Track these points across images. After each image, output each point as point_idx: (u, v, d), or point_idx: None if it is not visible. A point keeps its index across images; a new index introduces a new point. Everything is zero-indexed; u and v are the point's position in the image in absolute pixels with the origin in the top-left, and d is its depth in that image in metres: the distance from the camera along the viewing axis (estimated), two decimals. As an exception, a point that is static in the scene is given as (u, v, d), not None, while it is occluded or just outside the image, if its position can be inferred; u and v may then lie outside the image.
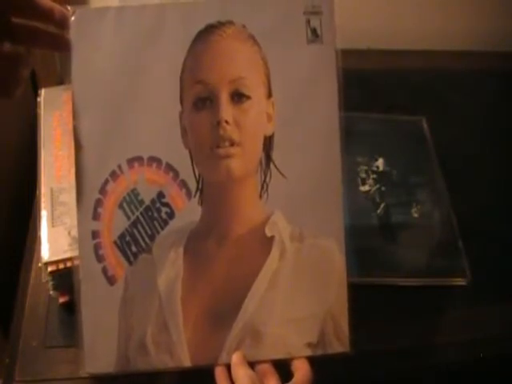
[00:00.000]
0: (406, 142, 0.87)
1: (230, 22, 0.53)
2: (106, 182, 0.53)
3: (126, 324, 0.54)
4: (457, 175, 0.83)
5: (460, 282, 0.72)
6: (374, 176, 0.81)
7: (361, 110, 0.87)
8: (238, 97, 0.53)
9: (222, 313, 0.54)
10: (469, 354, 0.68)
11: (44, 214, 0.65)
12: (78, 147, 0.53)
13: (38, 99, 0.75)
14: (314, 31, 0.53)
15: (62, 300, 0.64)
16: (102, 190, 0.53)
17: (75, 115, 0.53)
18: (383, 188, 0.80)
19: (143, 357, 0.53)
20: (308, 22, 0.54)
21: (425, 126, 0.89)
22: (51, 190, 0.66)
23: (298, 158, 0.55)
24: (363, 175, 0.81)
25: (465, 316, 0.70)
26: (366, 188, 0.80)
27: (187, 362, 0.54)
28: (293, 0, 0.54)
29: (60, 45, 0.52)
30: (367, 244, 0.73)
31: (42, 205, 0.65)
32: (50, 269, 0.61)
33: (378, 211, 0.77)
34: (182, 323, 0.53)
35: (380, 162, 0.83)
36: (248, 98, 0.53)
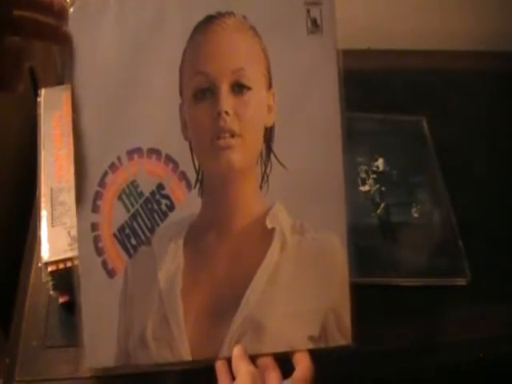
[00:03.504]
0: (406, 142, 0.87)
1: (231, 13, 0.53)
2: (105, 174, 0.53)
3: (126, 318, 0.54)
4: (457, 175, 0.83)
5: (460, 282, 0.72)
6: (374, 176, 0.81)
7: (361, 110, 0.87)
8: (238, 88, 0.53)
9: (222, 306, 0.53)
10: (469, 354, 0.68)
11: (44, 214, 0.65)
12: (78, 139, 0.53)
13: (38, 99, 0.75)
14: (314, 22, 0.53)
15: (61, 300, 0.64)
16: (102, 183, 0.53)
17: (75, 108, 0.53)
18: (383, 188, 0.80)
19: (143, 351, 0.53)
20: (308, 12, 0.53)
21: (425, 126, 0.89)
22: (51, 189, 0.66)
23: (299, 149, 0.54)
24: (363, 175, 0.81)
25: (465, 316, 0.70)
26: (366, 188, 0.80)
27: (188, 356, 0.53)
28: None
29: (60, 37, 0.52)
30: (367, 244, 0.73)
31: (42, 205, 0.65)
32: (50, 269, 0.61)
33: (378, 211, 0.77)
34: (182, 317, 0.53)
35: (380, 162, 0.83)
36: (248, 89, 0.53)
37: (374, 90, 0.95)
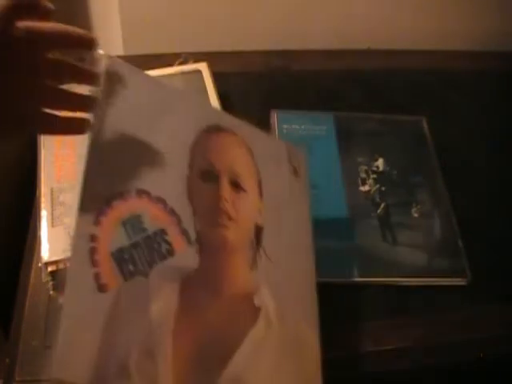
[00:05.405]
0: (406, 142, 0.87)
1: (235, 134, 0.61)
2: (114, 197, 0.52)
3: (109, 339, 0.50)
4: (457, 175, 0.83)
5: (460, 282, 0.72)
6: (374, 176, 0.81)
7: (361, 110, 0.87)
8: (235, 186, 0.58)
9: (210, 361, 0.52)
10: (469, 354, 0.68)
11: (44, 214, 0.65)
12: (90, 158, 0.51)
13: (38, 99, 0.75)
14: (294, 169, 0.67)
15: (62, 300, 0.64)
16: (108, 203, 0.52)
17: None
18: (383, 188, 0.80)
19: (123, 380, 0.49)
20: (290, 161, 0.66)
21: (425, 126, 0.89)
22: (51, 189, 0.66)
23: (280, 249, 0.60)
24: (363, 175, 0.81)
25: (465, 316, 0.70)
26: (366, 188, 0.80)
27: None
28: (279, 151, 0.66)
29: (95, 80, 0.52)
30: (367, 244, 0.74)
31: (42, 205, 0.65)
32: (50, 269, 0.61)
33: (378, 211, 0.77)
34: (171, 357, 0.51)
35: (380, 162, 0.83)
36: (244, 191, 0.58)
37: (374, 90, 0.95)
